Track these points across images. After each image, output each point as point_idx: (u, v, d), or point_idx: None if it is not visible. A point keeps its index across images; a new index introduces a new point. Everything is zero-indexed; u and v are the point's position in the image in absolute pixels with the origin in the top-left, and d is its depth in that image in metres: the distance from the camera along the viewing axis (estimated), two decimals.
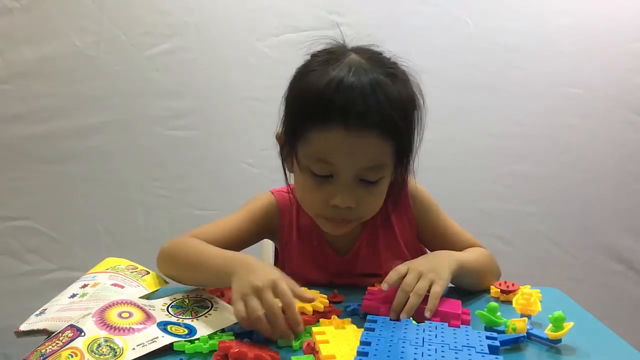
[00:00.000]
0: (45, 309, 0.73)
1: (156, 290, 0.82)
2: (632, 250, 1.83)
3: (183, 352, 0.63)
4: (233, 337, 0.66)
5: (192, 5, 1.66)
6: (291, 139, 0.80)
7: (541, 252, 1.82)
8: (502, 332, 0.69)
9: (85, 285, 0.78)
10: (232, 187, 1.70)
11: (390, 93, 0.75)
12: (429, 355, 0.56)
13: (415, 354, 0.56)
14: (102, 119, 1.68)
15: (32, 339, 0.68)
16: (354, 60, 0.77)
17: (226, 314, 0.73)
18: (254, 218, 0.91)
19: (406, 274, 0.75)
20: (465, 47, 1.73)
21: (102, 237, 1.71)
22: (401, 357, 0.55)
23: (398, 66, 0.80)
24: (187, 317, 0.71)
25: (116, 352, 0.60)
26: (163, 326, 0.67)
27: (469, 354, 0.56)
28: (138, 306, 0.70)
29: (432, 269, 0.76)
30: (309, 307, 0.73)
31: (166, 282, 0.85)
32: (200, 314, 0.73)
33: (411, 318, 0.69)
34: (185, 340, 0.64)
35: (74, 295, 0.75)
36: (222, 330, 0.69)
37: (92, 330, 0.62)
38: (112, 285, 0.78)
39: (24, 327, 0.69)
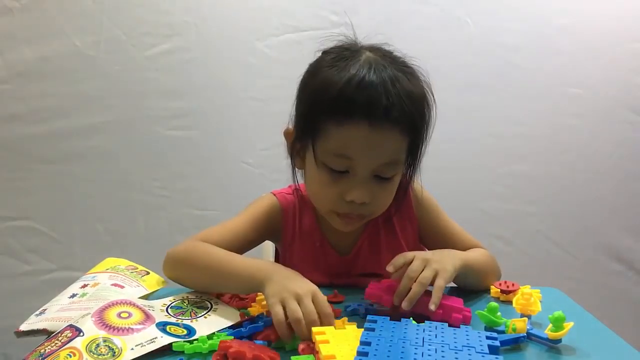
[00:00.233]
0: (45, 309, 0.73)
1: (156, 291, 0.82)
2: (632, 250, 1.83)
3: (182, 352, 0.63)
4: (232, 337, 0.66)
5: (192, 5, 1.66)
6: (307, 135, 0.80)
7: (541, 252, 1.81)
8: (502, 332, 0.69)
9: (85, 285, 0.78)
10: (232, 187, 1.70)
11: (409, 90, 0.77)
12: (429, 355, 0.56)
13: (415, 354, 0.56)
14: (102, 119, 1.68)
15: (32, 339, 0.68)
16: (371, 58, 0.78)
17: (225, 315, 0.73)
18: (257, 221, 0.91)
19: (412, 261, 0.76)
20: (465, 47, 1.72)
21: (102, 237, 1.71)
22: (401, 357, 0.55)
23: (410, 64, 0.82)
24: (187, 318, 0.71)
25: (115, 352, 0.60)
26: (162, 326, 0.67)
27: (469, 354, 0.56)
28: (137, 306, 0.70)
29: (438, 260, 0.77)
30: None
31: (166, 283, 0.85)
32: (200, 315, 0.73)
33: (411, 318, 0.69)
34: (184, 341, 0.64)
35: (73, 295, 0.75)
36: (221, 331, 0.69)
37: (91, 330, 0.62)
38: (112, 285, 0.78)
39: (23, 327, 0.69)
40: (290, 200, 0.94)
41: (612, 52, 1.75)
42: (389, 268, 0.75)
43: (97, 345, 0.60)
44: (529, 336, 0.68)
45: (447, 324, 0.65)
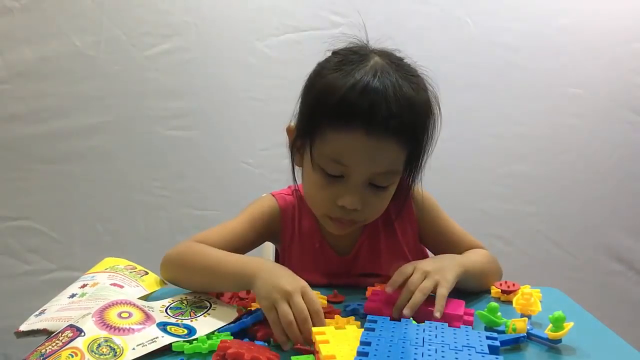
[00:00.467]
0: (45, 309, 0.73)
1: (155, 291, 0.82)
2: (632, 250, 1.83)
3: (182, 352, 0.63)
4: (232, 337, 0.66)
5: (192, 5, 1.66)
6: (306, 135, 0.80)
7: (541, 252, 1.81)
8: (503, 332, 0.69)
9: (84, 285, 0.78)
10: (232, 187, 1.70)
11: (412, 100, 0.76)
12: (429, 355, 0.56)
13: (415, 354, 0.56)
14: (102, 119, 1.68)
15: (32, 339, 0.68)
16: (379, 64, 0.77)
17: (224, 313, 0.73)
18: (257, 222, 0.91)
19: (411, 274, 0.75)
20: (465, 47, 1.72)
21: (102, 237, 1.71)
22: (401, 357, 0.55)
23: (418, 73, 0.81)
24: (186, 318, 0.71)
25: (116, 352, 0.60)
26: (163, 326, 0.67)
27: (469, 354, 0.56)
28: (137, 306, 0.70)
29: (438, 270, 0.76)
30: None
31: (164, 283, 0.85)
32: (199, 314, 0.73)
33: (411, 318, 0.69)
34: (184, 341, 0.64)
35: (73, 295, 0.75)
36: (221, 330, 0.69)
37: (92, 330, 0.62)
38: (111, 285, 0.78)
39: (23, 327, 0.69)
40: (289, 201, 0.94)
41: (612, 52, 1.75)
42: (388, 289, 0.75)
43: (99, 345, 0.60)
44: (529, 336, 0.68)
45: (447, 324, 0.65)
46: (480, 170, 1.78)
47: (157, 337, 0.64)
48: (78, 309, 0.70)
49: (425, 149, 0.82)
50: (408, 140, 0.77)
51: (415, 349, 0.57)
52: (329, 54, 0.83)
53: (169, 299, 0.77)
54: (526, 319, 0.69)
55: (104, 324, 0.64)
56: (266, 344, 0.65)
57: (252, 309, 0.75)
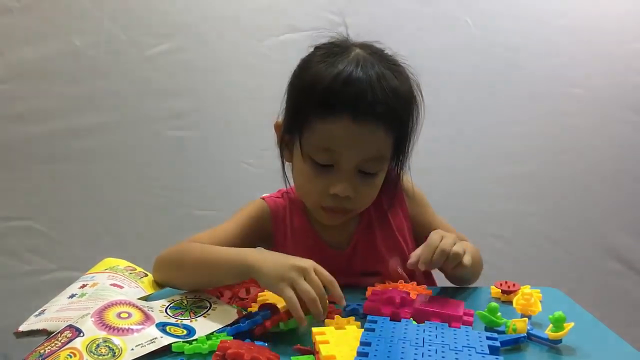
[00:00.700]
0: (44, 310, 0.73)
1: (154, 293, 0.82)
2: (632, 250, 1.83)
3: (182, 352, 0.63)
4: (232, 337, 0.66)
5: (192, 5, 1.66)
6: (294, 128, 0.82)
7: (541, 252, 1.81)
8: (503, 332, 0.69)
9: (84, 286, 0.78)
10: (232, 187, 1.70)
11: (395, 87, 0.79)
12: (429, 355, 0.56)
13: (415, 354, 0.56)
14: (102, 119, 1.68)
15: (32, 339, 0.68)
16: (360, 55, 0.80)
17: (225, 313, 0.73)
18: (248, 225, 0.91)
19: (439, 244, 0.78)
20: (465, 47, 1.72)
21: (102, 237, 1.71)
22: (401, 358, 0.55)
23: (399, 63, 0.83)
24: (186, 318, 0.71)
25: (115, 353, 0.60)
26: (162, 327, 0.67)
27: (469, 355, 0.56)
28: (137, 307, 0.70)
29: (463, 244, 0.80)
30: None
31: (163, 286, 0.85)
32: (199, 314, 0.73)
33: (411, 318, 0.69)
34: (183, 341, 0.64)
35: (72, 296, 0.75)
36: (220, 330, 0.69)
37: (91, 331, 0.62)
38: (111, 285, 0.78)
39: (23, 327, 0.69)
40: (279, 204, 0.94)
41: (612, 52, 1.75)
42: (421, 267, 0.77)
43: (98, 345, 0.60)
44: (529, 336, 0.68)
45: (447, 324, 0.65)
46: (480, 170, 1.78)
47: (156, 338, 0.64)
48: (77, 309, 0.70)
49: (411, 135, 0.85)
50: (394, 125, 0.80)
51: (415, 349, 0.57)
52: (312, 49, 0.85)
53: (169, 299, 0.77)
54: (526, 319, 0.69)
55: (103, 324, 0.64)
56: (266, 344, 0.65)
57: (252, 311, 0.75)
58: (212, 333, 0.68)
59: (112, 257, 0.88)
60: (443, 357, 0.56)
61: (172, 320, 0.70)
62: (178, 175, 1.72)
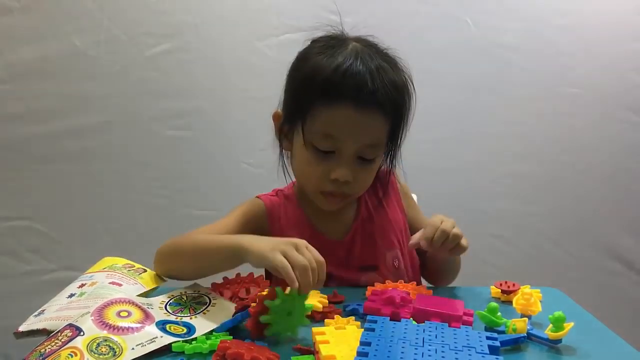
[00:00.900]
0: (44, 310, 0.73)
1: (154, 289, 0.82)
2: (632, 250, 1.83)
3: (182, 352, 0.63)
4: (232, 338, 0.66)
5: (192, 5, 1.66)
6: (296, 117, 0.86)
7: (541, 252, 1.81)
8: (503, 332, 0.69)
9: (82, 285, 0.78)
10: (232, 187, 1.70)
11: (392, 78, 0.83)
12: (429, 355, 0.56)
13: (415, 354, 0.56)
14: (102, 119, 1.68)
15: (32, 339, 0.68)
16: (358, 47, 0.85)
17: (224, 310, 0.73)
18: (244, 221, 0.92)
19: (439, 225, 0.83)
20: (465, 47, 1.72)
21: (102, 237, 1.71)
22: (401, 358, 0.55)
23: (393, 55, 0.88)
24: (186, 315, 0.71)
25: (115, 352, 0.60)
26: (162, 325, 0.67)
27: (469, 355, 0.56)
28: (136, 305, 0.70)
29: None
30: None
31: (163, 280, 0.85)
32: (199, 311, 0.73)
33: (411, 318, 0.69)
34: (183, 341, 0.64)
35: (71, 295, 0.75)
36: (220, 329, 0.69)
37: (92, 330, 0.62)
38: (109, 283, 0.78)
39: (23, 327, 0.69)
40: (275, 202, 0.96)
41: (612, 52, 1.75)
42: (423, 244, 0.82)
43: (98, 344, 0.60)
44: (529, 336, 0.68)
45: (447, 324, 0.65)
46: (480, 170, 1.78)
47: (156, 337, 0.64)
48: (77, 308, 0.70)
49: (404, 124, 0.89)
50: (391, 113, 0.84)
51: (415, 349, 0.57)
52: (308, 43, 0.90)
53: (169, 294, 0.77)
54: (526, 319, 0.69)
55: (103, 323, 0.64)
56: (266, 344, 0.65)
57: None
58: (211, 332, 0.68)
59: (111, 256, 0.88)
60: (443, 357, 0.56)
61: (172, 318, 0.70)
62: (178, 175, 1.72)
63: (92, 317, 0.64)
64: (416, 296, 0.76)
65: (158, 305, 0.73)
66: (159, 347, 0.63)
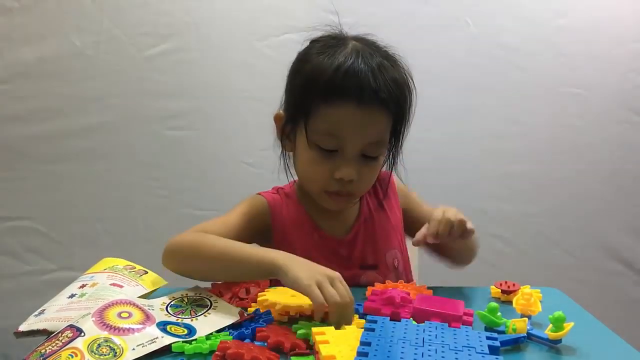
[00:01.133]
0: (44, 310, 0.73)
1: (154, 290, 0.82)
2: (632, 250, 1.83)
3: (182, 352, 0.63)
4: (232, 338, 0.66)
5: (192, 5, 1.66)
6: (298, 117, 0.85)
7: (541, 252, 1.81)
8: (503, 332, 0.69)
9: (83, 286, 0.78)
10: (232, 187, 1.70)
11: (394, 76, 0.84)
12: (429, 355, 0.56)
13: (415, 354, 0.56)
14: (102, 119, 1.68)
15: (32, 339, 0.68)
16: (358, 46, 0.85)
17: (225, 313, 0.73)
18: (248, 217, 0.92)
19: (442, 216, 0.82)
20: (465, 47, 1.73)
21: (102, 237, 1.71)
22: (401, 358, 0.55)
23: (393, 53, 0.88)
24: (186, 317, 0.71)
25: (116, 353, 0.60)
26: (162, 326, 0.67)
27: (469, 355, 0.56)
28: (137, 306, 0.70)
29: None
30: (307, 306, 0.73)
31: (164, 282, 0.85)
32: (200, 313, 0.73)
33: (411, 318, 0.69)
34: (183, 341, 0.64)
35: (72, 296, 0.75)
36: (220, 330, 0.69)
37: (92, 330, 0.62)
38: (110, 285, 0.78)
39: (23, 327, 0.69)
40: (276, 199, 0.96)
41: (612, 52, 1.75)
42: (429, 239, 0.81)
43: (99, 345, 0.60)
44: (529, 336, 0.68)
45: (447, 324, 0.65)
46: (480, 170, 1.78)
47: (157, 338, 0.64)
48: (78, 309, 0.70)
49: (407, 121, 0.89)
50: (394, 111, 0.84)
51: (415, 349, 0.57)
52: (308, 44, 0.90)
53: (170, 296, 0.77)
54: (526, 319, 0.69)
55: (103, 324, 0.64)
56: (266, 344, 0.65)
57: (254, 314, 0.74)
58: (211, 333, 0.68)
59: (112, 256, 0.88)
60: (443, 357, 0.56)
61: (173, 319, 0.70)
62: (178, 175, 1.72)
63: (93, 318, 0.64)
64: (416, 296, 0.76)
65: (159, 307, 0.73)
66: (160, 347, 0.63)
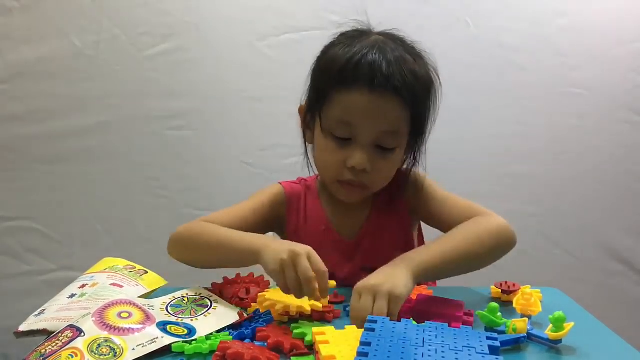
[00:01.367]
0: (44, 310, 0.73)
1: (155, 290, 0.82)
2: (632, 250, 1.83)
3: (182, 352, 0.63)
4: (232, 338, 0.66)
5: (192, 5, 1.66)
6: (315, 105, 0.86)
7: (541, 252, 1.81)
8: (503, 332, 0.69)
9: (83, 286, 0.78)
10: (232, 187, 1.70)
11: (413, 69, 0.83)
12: (429, 355, 0.56)
13: (415, 354, 0.56)
14: (102, 119, 1.68)
15: (32, 339, 0.68)
16: (380, 39, 0.85)
17: (225, 313, 0.73)
18: (262, 206, 0.94)
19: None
20: (465, 47, 1.72)
21: (102, 237, 1.71)
22: (401, 358, 0.55)
23: (419, 49, 0.88)
24: (186, 317, 0.71)
25: (116, 353, 0.60)
26: (163, 326, 0.67)
27: (469, 355, 0.56)
28: (137, 306, 0.70)
29: (388, 282, 0.70)
30: (307, 307, 0.73)
31: (165, 282, 0.85)
32: (200, 313, 0.73)
33: (411, 318, 0.69)
34: (183, 341, 0.64)
35: (72, 296, 0.75)
36: (220, 330, 0.69)
37: (92, 331, 0.62)
38: (111, 285, 0.78)
39: (23, 327, 0.69)
40: (296, 189, 0.97)
41: (613, 52, 1.75)
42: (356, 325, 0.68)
43: (99, 345, 0.60)
44: (530, 336, 0.68)
45: (447, 324, 0.65)
46: (480, 170, 1.78)
47: (157, 338, 0.64)
48: (78, 309, 0.70)
49: (428, 117, 0.87)
50: (410, 100, 0.82)
51: (416, 349, 0.57)
52: (336, 36, 0.90)
53: (170, 296, 0.77)
54: (526, 319, 0.69)
55: (103, 324, 0.64)
56: (266, 344, 0.65)
57: (253, 314, 0.74)
58: (211, 333, 0.68)
59: (112, 256, 0.89)
60: (443, 357, 0.56)
61: (173, 319, 0.70)
62: (178, 175, 1.72)
63: (93, 318, 0.64)
64: (416, 296, 0.76)
65: (159, 307, 0.73)
66: (160, 347, 0.63)
